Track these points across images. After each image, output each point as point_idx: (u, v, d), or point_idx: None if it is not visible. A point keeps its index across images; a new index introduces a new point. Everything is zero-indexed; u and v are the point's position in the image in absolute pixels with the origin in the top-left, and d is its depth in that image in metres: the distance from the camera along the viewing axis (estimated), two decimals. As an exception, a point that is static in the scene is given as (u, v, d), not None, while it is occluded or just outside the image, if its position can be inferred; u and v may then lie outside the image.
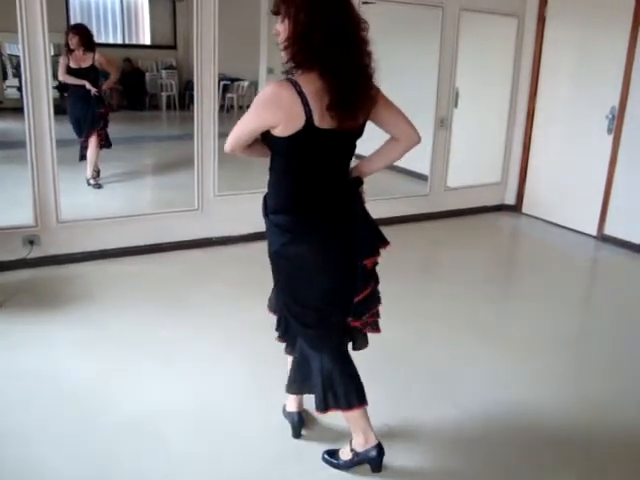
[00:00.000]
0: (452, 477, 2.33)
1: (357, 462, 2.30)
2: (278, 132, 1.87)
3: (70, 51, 5.20)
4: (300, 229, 2.00)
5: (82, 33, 5.31)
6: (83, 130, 5.41)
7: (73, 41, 5.19)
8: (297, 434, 2.48)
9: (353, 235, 2.06)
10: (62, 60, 5.24)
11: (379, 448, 2.26)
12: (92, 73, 5.36)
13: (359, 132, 2.00)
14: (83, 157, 5.41)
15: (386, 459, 2.28)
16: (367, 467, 2.29)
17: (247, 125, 1.94)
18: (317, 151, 1.92)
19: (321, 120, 1.83)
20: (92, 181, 5.39)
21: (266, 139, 1.96)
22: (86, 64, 5.29)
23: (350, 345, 2.29)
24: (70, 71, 5.20)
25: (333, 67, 1.81)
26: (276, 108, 1.83)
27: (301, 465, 2.33)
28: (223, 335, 3.32)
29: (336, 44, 1.80)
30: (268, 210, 2.05)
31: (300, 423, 2.49)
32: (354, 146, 2.04)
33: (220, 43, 4.41)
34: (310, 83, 1.83)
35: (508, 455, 2.46)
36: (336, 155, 2.00)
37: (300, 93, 1.81)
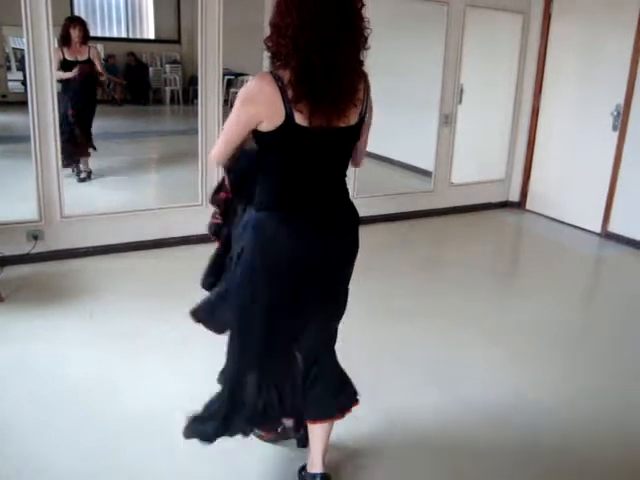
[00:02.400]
0: (461, 475, 2.33)
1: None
2: (262, 127, 1.77)
3: (65, 44, 5.17)
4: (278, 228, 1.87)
5: (83, 25, 5.30)
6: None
7: (75, 33, 5.17)
8: None
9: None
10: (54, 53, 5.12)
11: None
12: (89, 66, 5.35)
13: (351, 133, 1.86)
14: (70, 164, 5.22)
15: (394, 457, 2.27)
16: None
17: (235, 127, 1.81)
18: (300, 149, 1.81)
19: (300, 117, 1.73)
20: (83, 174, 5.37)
21: (253, 134, 1.83)
22: (82, 57, 5.27)
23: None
24: (65, 63, 5.15)
25: (301, 67, 1.70)
26: (260, 103, 1.73)
27: (302, 463, 2.33)
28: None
29: (307, 41, 1.68)
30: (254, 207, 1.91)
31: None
32: (347, 148, 1.91)
33: (224, 38, 4.39)
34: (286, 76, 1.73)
35: (507, 455, 2.47)
36: (323, 155, 1.85)
37: (281, 88, 1.71)
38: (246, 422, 2.08)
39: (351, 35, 1.73)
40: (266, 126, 1.76)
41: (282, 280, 1.90)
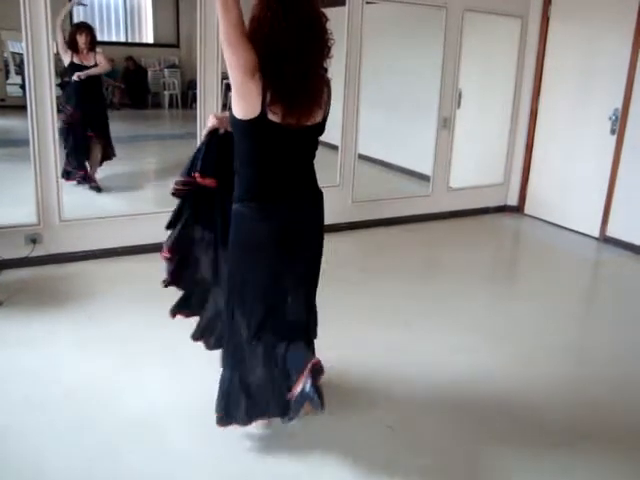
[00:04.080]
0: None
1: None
2: (237, 112, 1.98)
3: (72, 50, 5.18)
4: (258, 215, 2.12)
5: (90, 31, 5.33)
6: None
7: (82, 39, 5.18)
8: None
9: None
10: (63, 54, 5.15)
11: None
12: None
13: (317, 130, 2.11)
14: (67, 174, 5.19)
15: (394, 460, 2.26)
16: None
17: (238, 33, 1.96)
18: (273, 141, 2.02)
19: (273, 116, 1.96)
20: (93, 183, 5.35)
21: (230, 121, 2.07)
22: (89, 63, 5.29)
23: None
24: (73, 67, 5.18)
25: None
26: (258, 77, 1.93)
27: (303, 463, 2.33)
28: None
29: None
30: (234, 200, 2.16)
31: None
32: (314, 142, 2.16)
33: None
34: None
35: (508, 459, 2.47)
36: (294, 149, 2.10)
37: (264, 88, 1.93)
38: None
39: (317, 46, 1.99)
40: (242, 112, 1.97)
41: (264, 262, 2.17)
